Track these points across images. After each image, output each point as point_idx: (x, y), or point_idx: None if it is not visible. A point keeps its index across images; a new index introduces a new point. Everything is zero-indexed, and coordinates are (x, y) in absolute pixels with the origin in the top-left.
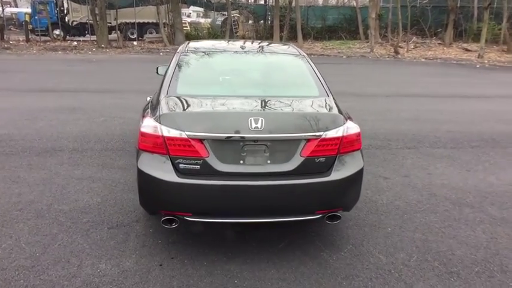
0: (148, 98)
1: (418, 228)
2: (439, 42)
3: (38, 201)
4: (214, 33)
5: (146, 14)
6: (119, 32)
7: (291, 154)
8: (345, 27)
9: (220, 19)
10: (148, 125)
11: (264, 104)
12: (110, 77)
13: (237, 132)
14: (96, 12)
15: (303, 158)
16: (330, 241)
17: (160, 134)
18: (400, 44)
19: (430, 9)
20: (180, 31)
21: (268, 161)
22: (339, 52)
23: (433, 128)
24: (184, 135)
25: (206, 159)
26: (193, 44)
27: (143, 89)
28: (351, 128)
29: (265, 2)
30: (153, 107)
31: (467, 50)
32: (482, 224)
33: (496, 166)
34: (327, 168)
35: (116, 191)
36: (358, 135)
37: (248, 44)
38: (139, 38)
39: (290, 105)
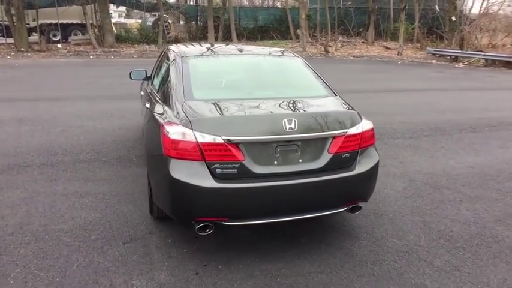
0: (148, 105)
1: (414, 211)
2: (363, 41)
3: (28, 222)
4: (146, 35)
5: (70, 15)
6: (40, 34)
7: (319, 152)
8: (276, 28)
9: (150, 20)
10: (179, 132)
11: (292, 104)
12: (44, 84)
13: (273, 133)
14: (13, 12)
15: (331, 155)
16: (346, 232)
17: (194, 140)
18: (329, 43)
19: (353, 10)
20: (109, 32)
21: (300, 160)
22: None
23: (388, 120)
24: (220, 140)
25: (243, 162)
26: (185, 49)
27: (89, 95)
28: (366, 124)
29: (196, 2)
30: (171, 113)
31: (387, 48)
32: (463, 203)
33: (451, 151)
34: (351, 163)
35: (112, 205)
36: (372, 130)
37: (243, 47)
38: (64, 41)
39: (312, 105)
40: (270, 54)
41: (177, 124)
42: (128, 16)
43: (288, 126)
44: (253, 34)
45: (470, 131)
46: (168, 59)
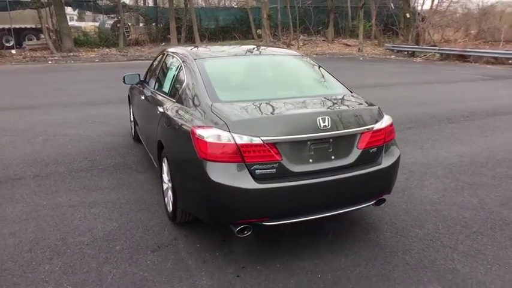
0: (161, 110)
1: (423, 201)
2: (323, 39)
3: (43, 237)
4: (105, 38)
5: (23, 19)
6: None
7: (350, 148)
8: (238, 28)
9: (109, 22)
10: (216, 135)
11: (321, 102)
12: (8, 92)
13: (308, 132)
14: None
15: (360, 150)
16: (368, 225)
17: (233, 142)
18: (291, 42)
19: (312, 9)
20: (67, 36)
21: (332, 157)
22: None
23: None
24: (259, 140)
25: (281, 162)
26: (192, 51)
27: (62, 102)
28: (388, 119)
29: (155, 4)
30: (198, 116)
31: (347, 45)
32: (465, 190)
33: (438, 142)
34: (377, 157)
35: (125, 213)
36: (392, 125)
37: (249, 48)
38: (18, 46)
39: (338, 103)
40: (278, 54)
41: (211, 127)
42: (80, 19)
43: (322, 124)
44: (215, 35)
45: (448, 122)
46: (174, 61)
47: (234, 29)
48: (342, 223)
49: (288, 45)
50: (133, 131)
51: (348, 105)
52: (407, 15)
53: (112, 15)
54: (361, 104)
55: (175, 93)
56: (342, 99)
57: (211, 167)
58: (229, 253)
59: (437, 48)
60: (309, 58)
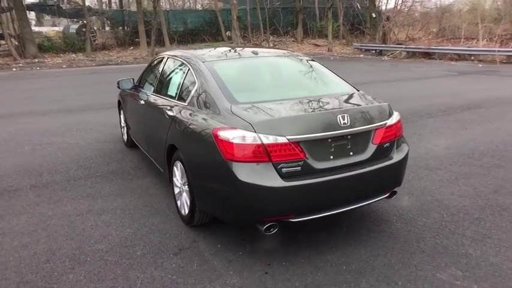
0: (171, 113)
1: (424, 192)
2: (293, 39)
3: (58, 247)
4: (71, 43)
5: None
6: None
7: (366, 144)
8: (207, 30)
9: (73, 27)
10: (242, 136)
11: (338, 101)
12: None
13: (330, 129)
14: None
15: (375, 146)
16: (377, 217)
17: (259, 142)
18: (262, 43)
19: (281, 10)
20: (31, 42)
21: (351, 153)
22: None
23: None
24: (284, 139)
25: (305, 159)
26: (196, 53)
27: (39, 110)
28: (397, 115)
29: (121, 7)
30: (219, 118)
31: (317, 45)
32: (459, 180)
33: (423, 136)
34: (390, 152)
35: (137, 219)
36: (400, 121)
37: (251, 49)
38: None
39: (352, 101)
40: (283, 56)
41: (235, 128)
42: (39, 24)
43: (342, 121)
44: (184, 38)
45: (428, 116)
46: (179, 65)
47: (203, 31)
48: (352, 217)
49: (259, 46)
50: (125, 136)
51: (361, 103)
52: (373, 15)
53: (76, 20)
54: (372, 101)
55: (185, 96)
56: (354, 97)
57: (239, 168)
58: (252, 252)
59: (403, 46)
60: (315, 60)
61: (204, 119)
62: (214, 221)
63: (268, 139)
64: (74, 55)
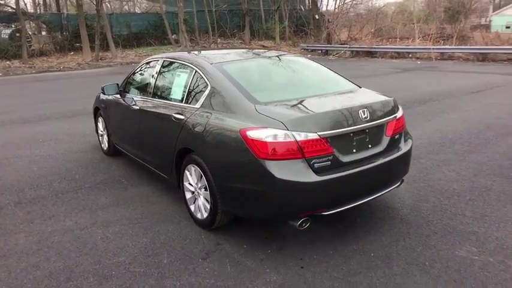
0: (181, 117)
1: (415, 180)
2: (241, 41)
3: (75, 264)
4: (5, 50)
5: None
6: None
7: (380, 136)
8: (152, 33)
9: (5, 32)
10: (274, 134)
11: (353, 97)
12: None
13: (353, 124)
14: None
15: (388, 138)
16: (382, 205)
17: (293, 139)
18: (210, 46)
19: (227, 12)
20: None
21: (369, 146)
22: None
23: None
24: (316, 136)
25: (334, 154)
26: (202, 55)
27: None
28: (401, 109)
29: (58, 10)
30: (244, 118)
31: (264, 46)
32: (442, 167)
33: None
34: (399, 143)
35: (149, 227)
36: (403, 114)
37: (255, 51)
38: None
39: (364, 96)
40: (283, 56)
41: (265, 127)
42: None
43: (363, 116)
44: (129, 41)
45: None
46: (182, 67)
47: (148, 34)
48: (360, 209)
49: (208, 49)
50: (104, 144)
51: (373, 98)
52: (316, 16)
53: (8, 24)
54: (378, 95)
55: (195, 99)
56: (363, 92)
57: (274, 166)
58: (280, 249)
59: (347, 46)
60: (314, 60)
61: (224, 120)
62: (233, 222)
63: (300, 136)
64: (8, 62)
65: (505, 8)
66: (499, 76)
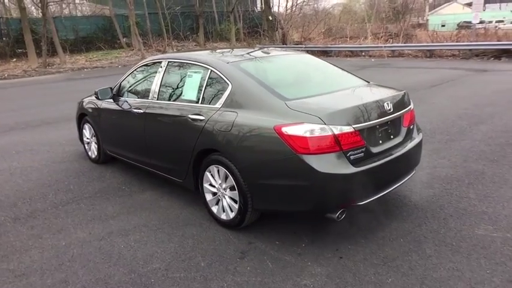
0: (201, 117)
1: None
2: (195, 43)
3: (108, 275)
4: None
5: None
6: None
7: (399, 127)
8: (101, 37)
9: None
10: (311, 129)
11: (372, 90)
12: None
13: (381, 116)
14: None
15: (406, 128)
16: (393, 194)
17: (331, 133)
18: (166, 49)
19: (180, 15)
20: None
21: (392, 136)
22: (111, 62)
23: None
24: (351, 129)
25: (366, 146)
26: (214, 55)
27: None
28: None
29: None
30: (275, 115)
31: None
32: (433, 155)
33: None
34: (413, 133)
35: (171, 232)
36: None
37: (263, 50)
38: None
39: (380, 90)
40: (293, 54)
41: (301, 123)
42: None
43: (387, 108)
44: (76, 46)
45: None
46: (193, 68)
47: (97, 38)
48: (365, 207)
49: (163, 52)
50: (91, 152)
51: (389, 92)
52: (270, 17)
53: None
54: (392, 89)
55: (214, 99)
56: (376, 87)
57: (315, 160)
58: (312, 242)
59: (303, 46)
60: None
61: (253, 118)
62: (259, 219)
63: (337, 129)
64: None
65: (439, 7)
66: (449, 70)
